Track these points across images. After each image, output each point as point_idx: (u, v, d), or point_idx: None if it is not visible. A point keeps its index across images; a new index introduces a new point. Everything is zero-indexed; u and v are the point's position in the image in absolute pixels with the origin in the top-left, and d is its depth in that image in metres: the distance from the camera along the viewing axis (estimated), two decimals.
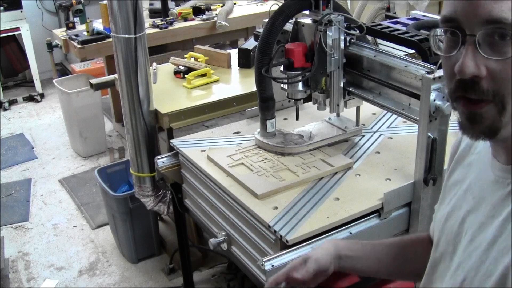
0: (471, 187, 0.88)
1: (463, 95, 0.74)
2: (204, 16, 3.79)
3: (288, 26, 1.82)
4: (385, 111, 2.02)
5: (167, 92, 2.55)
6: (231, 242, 1.77)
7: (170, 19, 3.75)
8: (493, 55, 0.70)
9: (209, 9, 3.88)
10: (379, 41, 2.28)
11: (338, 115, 1.98)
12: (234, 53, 2.85)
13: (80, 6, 4.02)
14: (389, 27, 1.98)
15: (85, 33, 3.58)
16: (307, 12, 1.77)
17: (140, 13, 2.17)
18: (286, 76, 1.76)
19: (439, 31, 0.78)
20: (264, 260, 1.43)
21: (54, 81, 4.04)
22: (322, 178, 1.72)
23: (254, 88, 1.89)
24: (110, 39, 2.79)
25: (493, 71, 0.71)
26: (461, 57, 0.72)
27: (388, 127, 2.02)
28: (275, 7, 1.76)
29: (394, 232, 1.66)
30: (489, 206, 0.80)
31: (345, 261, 1.12)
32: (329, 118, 2.01)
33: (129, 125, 2.33)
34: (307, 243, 1.48)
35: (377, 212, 1.60)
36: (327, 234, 1.51)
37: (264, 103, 1.88)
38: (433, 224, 1.06)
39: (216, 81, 2.63)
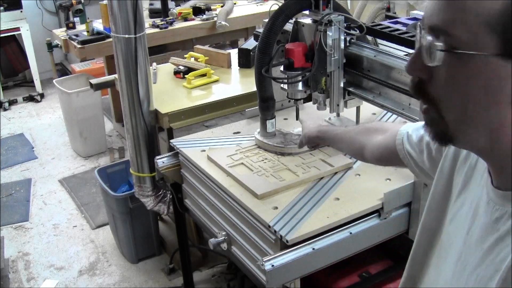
0: (473, 196, 0.84)
1: (415, 94, 0.77)
2: (204, 16, 3.79)
3: (288, 26, 1.82)
4: (385, 111, 2.02)
5: (167, 92, 2.55)
6: (231, 242, 1.77)
7: (170, 19, 3.75)
8: (429, 61, 0.70)
9: (209, 9, 3.88)
10: (379, 41, 2.28)
11: (338, 115, 1.98)
12: (234, 53, 2.85)
13: (80, 6, 4.01)
14: (389, 27, 1.98)
15: (85, 33, 3.58)
16: (307, 12, 1.77)
17: (140, 13, 2.17)
18: (286, 76, 1.76)
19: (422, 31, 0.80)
20: (264, 260, 1.43)
21: (54, 81, 4.04)
22: (322, 178, 1.72)
23: (254, 88, 1.89)
24: (110, 39, 2.79)
25: (433, 77, 0.71)
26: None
27: None
28: (275, 7, 1.76)
29: (394, 232, 1.67)
30: (478, 228, 0.78)
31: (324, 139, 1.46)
32: (329, 118, 2.01)
33: (129, 125, 2.33)
34: (307, 243, 1.48)
35: (377, 212, 1.60)
36: (327, 234, 1.51)
37: (264, 103, 1.88)
38: (401, 140, 1.11)
39: (216, 81, 2.63)
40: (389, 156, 1.15)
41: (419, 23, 0.73)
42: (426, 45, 0.69)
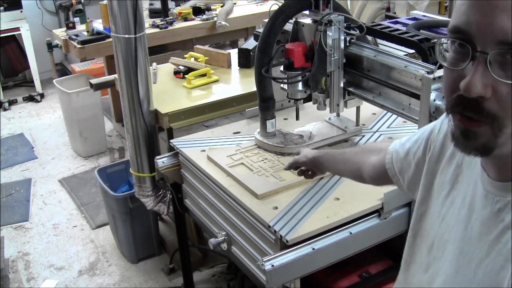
0: (464, 193, 0.84)
1: (461, 111, 0.71)
2: (204, 16, 3.79)
3: (288, 26, 1.82)
4: (385, 111, 2.02)
5: (167, 92, 2.55)
6: (231, 242, 1.77)
7: (170, 19, 3.75)
8: (504, 77, 0.66)
9: (209, 9, 3.88)
10: (379, 41, 2.28)
11: (338, 115, 1.98)
12: (234, 53, 2.85)
13: (80, 6, 4.01)
14: (389, 27, 1.98)
15: (85, 33, 3.58)
16: (307, 12, 1.77)
17: (140, 13, 2.17)
18: (286, 76, 1.76)
19: (446, 40, 0.73)
20: (264, 260, 1.43)
21: (54, 81, 4.04)
22: (322, 178, 1.72)
23: (254, 88, 1.89)
24: (110, 39, 2.79)
25: (500, 94, 0.66)
26: (469, 74, 0.67)
27: (388, 127, 2.02)
28: (275, 7, 1.76)
29: (394, 232, 1.67)
30: (478, 221, 0.78)
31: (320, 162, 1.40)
32: (329, 118, 2.01)
33: (129, 125, 2.33)
34: (307, 243, 1.48)
35: (377, 212, 1.60)
36: (327, 234, 1.51)
37: (264, 103, 1.88)
38: (390, 159, 1.10)
39: (216, 81, 2.63)
40: (384, 176, 1.13)
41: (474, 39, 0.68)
42: (502, 60, 0.65)
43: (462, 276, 0.79)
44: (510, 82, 0.65)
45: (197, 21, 3.78)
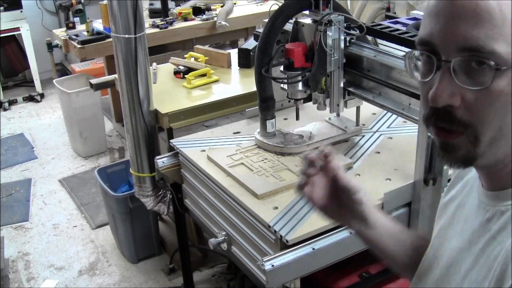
0: (462, 205, 0.85)
1: (434, 123, 0.71)
2: (204, 16, 3.79)
3: (288, 26, 1.82)
4: (385, 111, 2.02)
5: (167, 92, 2.55)
6: (231, 242, 1.77)
7: (170, 19, 3.75)
8: (469, 84, 0.66)
9: (209, 9, 3.88)
10: (379, 41, 2.28)
11: (338, 115, 1.98)
12: (234, 53, 2.85)
13: (80, 6, 4.01)
14: (389, 27, 1.98)
15: (85, 33, 3.58)
16: (307, 12, 1.77)
17: (140, 13, 2.17)
18: (286, 76, 1.76)
19: (416, 53, 0.73)
20: (264, 260, 1.43)
21: (54, 81, 4.04)
22: None
23: (254, 88, 1.89)
24: (110, 39, 2.79)
25: (468, 101, 0.66)
26: (435, 83, 0.68)
27: (388, 127, 2.02)
28: (275, 7, 1.76)
29: None
30: (469, 231, 0.78)
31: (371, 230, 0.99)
32: (329, 118, 2.01)
33: (129, 125, 2.33)
34: (307, 243, 1.48)
35: None
36: (327, 234, 1.51)
37: (264, 103, 1.88)
38: None
39: (216, 81, 2.63)
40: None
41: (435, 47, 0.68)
42: (466, 67, 0.66)
43: (450, 286, 0.79)
44: (476, 88, 0.65)
45: (197, 21, 3.78)
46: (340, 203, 0.97)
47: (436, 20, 0.67)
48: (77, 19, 3.99)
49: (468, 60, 0.65)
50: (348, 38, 1.73)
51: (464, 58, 0.65)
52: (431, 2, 0.69)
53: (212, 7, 3.94)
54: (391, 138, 1.94)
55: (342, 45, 1.72)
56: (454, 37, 0.65)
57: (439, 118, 0.69)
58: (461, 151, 0.70)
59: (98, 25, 3.66)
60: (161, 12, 3.83)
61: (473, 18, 0.64)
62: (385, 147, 1.88)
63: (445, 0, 0.66)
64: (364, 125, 2.00)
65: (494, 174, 0.73)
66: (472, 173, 0.86)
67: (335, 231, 1.53)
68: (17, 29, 4.86)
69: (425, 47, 0.70)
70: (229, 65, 2.80)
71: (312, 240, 1.48)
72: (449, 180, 0.96)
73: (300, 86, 1.77)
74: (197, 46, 3.02)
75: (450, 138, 0.70)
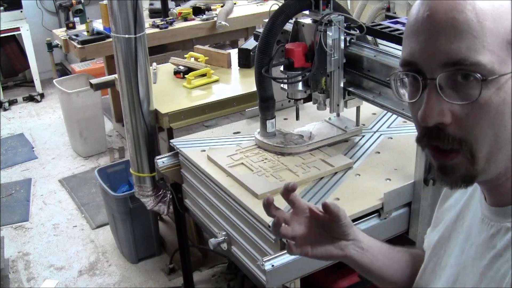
0: (462, 217, 0.83)
1: (427, 143, 0.69)
2: (204, 16, 3.79)
3: (288, 26, 1.82)
4: (385, 111, 2.02)
5: (167, 92, 2.55)
6: (231, 242, 1.77)
7: (170, 19, 3.75)
8: (457, 99, 0.65)
9: (209, 9, 3.88)
10: (379, 41, 2.28)
11: (338, 115, 1.98)
12: (234, 53, 2.85)
13: (80, 6, 4.01)
14: (389, 27, 1.98)
15: (85, 33, 3.58)
16: (307, 12, 1.77)
17: (140, 13, 2.17)
18: (286, 76, 1.76)
19: (400, 74, 0.72)
20: (264, 260, 1.43)
21: (54, 81, 4.04)
22: (322, 178, 1.72)
23: (254, 88, 1.89)
24: (110, 39, 2.79)
25: (459, 117, 0.65)
26: (423, 103, 0.66)
27: (388, 127, 2.02)
28: (275, 7, 1.76)
29: (394, 232, 1.67)
30: (473, 246, 0.76)
31: (363, 252, 0.96)
32: (329, 118, 2.00)
33: (129, 125, 2.33)
34: None
35: (377, 212, 1.60)
36: None
37: (264, 103, 1.88)
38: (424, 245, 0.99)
39: (216, 81, 2.63)
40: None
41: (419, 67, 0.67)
42: (452, 82, 0.65)
43: None
44: (465, 103, 0.64)
45: (197, 21, 3.78)
46: (327, 235, 0.93)
47: (416, 39, 0.67)
48: (77, 19, 3.99)
49: (452, 74, 0.64)
50: (348, 38, 1.73)
51: (448, 73, 0.64)
52: (409, 22, 0.69)
53: (212, 7, 3.94)
54: (391, 138, 1.94)
55: (342, 45, 1.72)
56: (435, 54, 0.64)
57: (432, 137, 0.68)
58: (460, 171, 0.68)
59: (98, 25, 3.66)
60: (161, 12, 3.83)
61: (452, 32, 0.63)
62: (385, 147, 1.88)
63: (422, 18, 0.66)
64: (364, 125, 2.00)
65: (496, 189, 0.72)
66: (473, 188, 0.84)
67: None
68: (17, 29, 4.86)
69: (408, 67, 0.69)
70: (229, 65, 2.80)
71: None
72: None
73: (300, 86, 1.77)
74: (197, 46, 3.02)
75: (448, 159, 0.68)
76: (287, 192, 0.94)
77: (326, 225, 0.92)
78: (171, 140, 2.06)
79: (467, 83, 0.64)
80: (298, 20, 1.79)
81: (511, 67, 0.63)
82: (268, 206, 0.95)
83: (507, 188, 0.70)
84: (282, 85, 1.81)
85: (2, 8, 4.71)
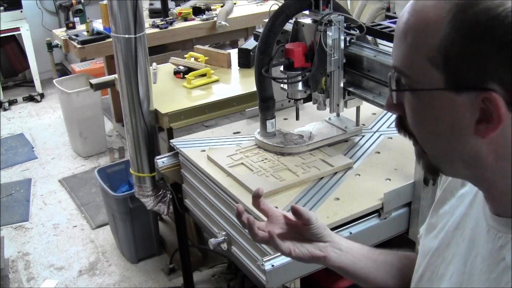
0: (463, 226, 0.81)
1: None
2: (204, 16, 3.79)
3: (288, 26, 1.82)
4: (385, 111, 2.02)
5: (167, 92, 2.55)
6: (231, 242, 1.77)
7: (170, 19, 3.75)
8: (394, 98, 0.74)
9: (209, 9, 3.87)
10: (379, 41, 2.28)
11: (338, 115, 1.98)
12: (234, 53, 2.85)
13: (80, 6, 4.01)
14: (389, 27, 1.99)
15: (85, 33, 3.58)
16: (307, 12, 1.77)
17: (140, 13, 2.17)
18: (286, 76, 1.76)
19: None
20: (264, 260, 1.43)
21: (54, 81, 4.04)
22: (322, 178, 1.72)
23: (254, 88, 1.89)
24: (110, 39, 2.79)
25: (406, 110, 0.73)
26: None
27: (388, 127, 2.02)
28: (275, 7, 1.76)
29: (394, 232, 1.67)
30: (479, 257, 0.74)
31: (343, 253, 0.99)
32: (329, 118, 2.01)
33: (129, 125, 2.33)
34: None
35: (377, 212, 1.60)
36: None
37: (264, 103, 1.88)
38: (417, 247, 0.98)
39: (216, 81, 2.63)
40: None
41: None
42: (391, 86, 0.73)
43: None
44: (395, 103, 0.73)
45: (197, 21, 3.78)
46: (305, 239, 0.97)
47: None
48: (77, 19, 3.99)
49: (390, 76, 0.72)
50: (348, 38, 1.73)
51: (390, 75, 0.73)
52: None
53: (212, 7, 3.94)
54: (391, 138, 1.94)
55: (342, 45, 1.72)
56: (392, 57, 0.73)
57: (398, 127, 0.77)
58: (422, 159, 0.75)
59: (98, 25, 3.66)
60: (161, 12, 3.83)
61: (398, 39, 0.70)
62: (385, 147, 1.88)
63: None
64: (364, 125, 2.00)
65: (500, 199, 0.71)
66: (466, 188, 0.84)
67: (335, 231, 1.53)
68: (17, 29, 4.86)
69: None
70: (229, 65, 2.80)
71: None
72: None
73: (300, 86, 1.77)
74: (197, 46, 3.02)
75: (413, 145, 0.76)
76: (256, 199, 0.99)
77: (301, 229, 0.97)
78: (171, 140, 2.06)
79: (399, 87, 0.71)
80: (298, 20, 1.79)
81: (437, 83, 0.66)
82: (257, 197, 0.99)
83: (506, 200, 0.70)
84: (282, 85, 1.81)
85: (2, 8, 4.71)
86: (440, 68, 0.64)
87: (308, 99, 1.88)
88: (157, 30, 3.64)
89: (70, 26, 3.83)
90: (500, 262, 0.70)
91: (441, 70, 0.65)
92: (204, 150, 1.93)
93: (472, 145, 0.67)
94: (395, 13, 3.84)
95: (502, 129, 0.64)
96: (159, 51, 3.71)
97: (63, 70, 5.48)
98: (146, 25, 2.65)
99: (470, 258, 0.77)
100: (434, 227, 0.89)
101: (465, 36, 0.62)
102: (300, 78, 1.73)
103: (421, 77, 0.67)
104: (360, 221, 1.57)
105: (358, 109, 1.89)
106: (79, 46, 3.49)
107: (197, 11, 3.83)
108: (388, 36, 1.97)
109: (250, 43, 2.74)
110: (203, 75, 2.64)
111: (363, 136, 1.96)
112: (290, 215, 0.99)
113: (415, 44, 0.67)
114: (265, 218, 1.03)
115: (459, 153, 0.69)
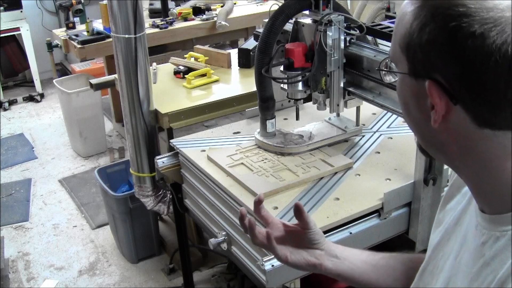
0: (462, 221, 0.83)
1: None
2: (204, 16, 3.79)
3: (288, 26, 1.81)
4: (385, 111, 2.02)
5: (167, 92, 2.55)
6: (231, 242, 1.77)
7: (170, 19, 3.75)
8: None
9: (209, 9, 3.88)
10: (379, 41, 2.28)
11: (338, 115, 1.98)
12: (234, 53, 2.85)
13: (80, 6, 4.01)
14: (389, 27, 1.98)
15: (85, 33, 3.58)
16: (307, 12, 1.77)
17: (140, 13, 2.17)
18: (286, 76, 1.76)
19: None
20: (264, 260, 1.43)
21: (54, 81, 4.04)
22: (322, 178, 1.72)
23: (254, 88, 1.89)
24: (110, 39, 2.79)
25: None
26: None
27: (388, 127, 2.02)
28: (275, 7, 1.76)
29: (394, 232, 1.67)
30: (467, 252, 0.76)
31: (340, 261, 1.00)
32: (329, 118, 2.00)
33: (129, 125, 2.33)
34: None
35: (377, 212, 1.60)
36: (327, 234, 1.51)
37: (264, 103, 1.88)
38: None
39: (216, 81, 2.63)
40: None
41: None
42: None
43: None
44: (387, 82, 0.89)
45: (197, 21, 3.78)
46: (302, 247, 1.00)
47: None
48: (77, 19, 3.99)
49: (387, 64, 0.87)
50: (348, 38, 1.73)
51: (386, 62, 0.87)
52: None
53: (212, 7, 3.94)
54: (391, 138, 1.94)
55: (342, 45, 1.72)
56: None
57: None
58: (417, 141, 0.80)
59: (98, 25, 3.66)
60: (161, 12, 3.83)
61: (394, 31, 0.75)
62: (385, 147, 1.88)
63: None
64: (364, 125, 2.00)
65: (487, 196, 0.73)
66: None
67: (335, 231, 1.53)
68: (17, 29, 4.86)
69: None
70: (229, 65, 2.80)
71: None
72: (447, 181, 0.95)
73: (300, 86, 1.77)
74: (197, 46, 3.02)
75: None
76: (257, 205, 1.00)
77: (298, 236, 1.00)
78: (171, 140, 2.06)
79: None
80: (298, 20, 1.78)
81: (405, 69, 0.71)
82: (259, 203, 1.01)
83: (497, 196, 0.71)
84: (282, 85, 1.81)
85: (2, 8, 4.71)
86: (405, 55, 0.70)
87: (308, 99, 1.88)
88: (157, 30, 3.64)
89: (70, 26, 3.83)
90: (480, 258, 0.72)
91: (406, 57, 0.70)
92: (204, 150, 1.93)
93: (435, 132, 0.71)
94: (395, 13, 3.84)
95: (457, 120, 0.67)
96: (159, 51, 3.71)
97: (63, 70, 5.48)
98: (146, 25, 2.66)
99: (460, 253, 0.79)
100: (440, 222, 0.91)
101: (421, 28, 0.66)
102: (300, 78, 1.73)
103: (398, 63, 0.73)
104: (360, 221, 1.57)
105: (358, 109, 1.89)
106: (79, 46, 3.49)
107: (197, 11, 3.83)
108: (388, 36, 1.96)
109: (250, 43, 2.74)
110: (203, 75, 2.64)
111: (363, 136, 1.96)
112: (288, 224, 1.02)
113: (394, 33, 0.73)
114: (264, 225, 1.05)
115: (431, 138, 0.74)
